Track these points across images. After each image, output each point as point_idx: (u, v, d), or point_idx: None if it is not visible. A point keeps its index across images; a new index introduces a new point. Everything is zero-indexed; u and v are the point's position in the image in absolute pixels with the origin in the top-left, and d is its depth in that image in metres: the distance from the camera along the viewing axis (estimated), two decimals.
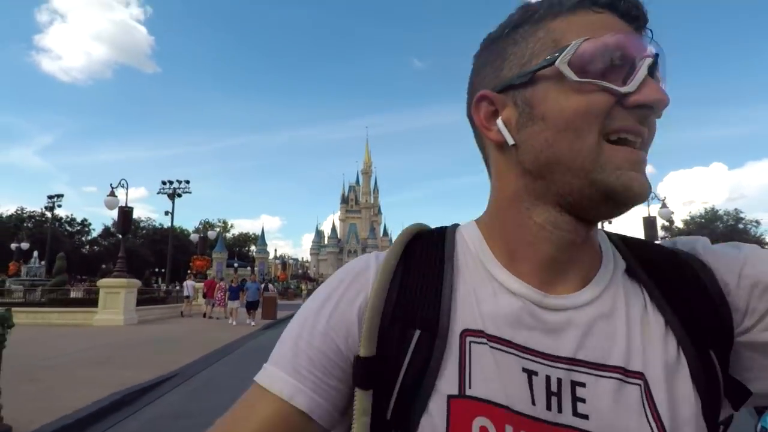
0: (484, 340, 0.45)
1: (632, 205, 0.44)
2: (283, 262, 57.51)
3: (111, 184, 14.18)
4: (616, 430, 0.42)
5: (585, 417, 0.42)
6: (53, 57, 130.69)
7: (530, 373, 0.44)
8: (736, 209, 44.49)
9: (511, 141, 0.46)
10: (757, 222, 41.96)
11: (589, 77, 0.42)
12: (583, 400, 0.43)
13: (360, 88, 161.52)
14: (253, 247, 74.11)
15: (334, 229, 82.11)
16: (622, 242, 0.53)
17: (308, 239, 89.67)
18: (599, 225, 0.50)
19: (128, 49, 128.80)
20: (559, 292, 0.47)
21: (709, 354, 0.44)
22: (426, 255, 0.51)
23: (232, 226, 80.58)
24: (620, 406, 0.42)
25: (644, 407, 0.42)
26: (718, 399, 0.44)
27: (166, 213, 24.15)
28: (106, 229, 70.25)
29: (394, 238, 0.55)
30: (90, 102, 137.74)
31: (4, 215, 56.20)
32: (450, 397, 0.43)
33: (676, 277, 0.48)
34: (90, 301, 14.95)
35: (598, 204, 0.44)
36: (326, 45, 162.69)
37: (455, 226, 0.56)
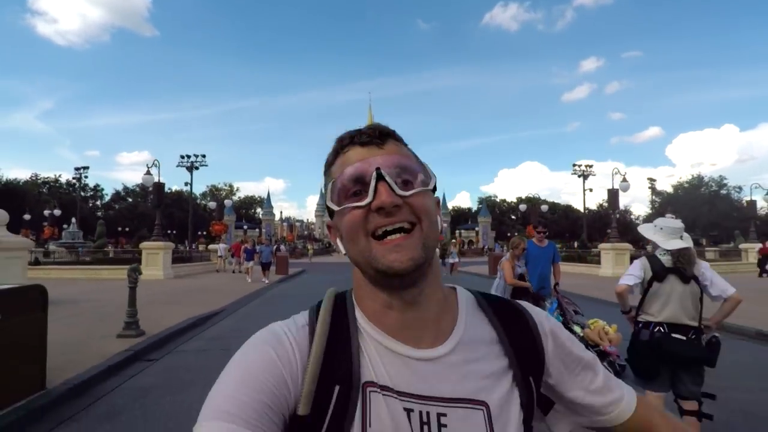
0: (378, 390, 0.58)
1: (403, 276, 0.57)
2: (290, 224, 60.38)
3: (147, 164, 17.04)
4: None
5: None
6: (48, 20, 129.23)
7: (408, 411, 0.57)
8: (720, 176, 46.44)
9: (344, 252, 0.64)
10: (740, 188, 43.92)
11: (344, 203, 0.60)
12: (445, 426, 0.58)
13: (364, 50, 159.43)
14: (259, 210, 76.28)
15: None
16: (484, 300, 0.71)
17: (313, 201, 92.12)
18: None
19: (125, 12, 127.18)
20: (423, 344, 0.62)
21: (529, 380, 0.65)
22: (338, 320, 0.64)
23: (238, 189, 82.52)
24: (469, 427, 0.58)
25: (485, 424, 0.59)
26: (532, 409, 0.65)
27: (186, 184, 26.92)
28: (117, 194, 72.84)
29: None
30: (89, 66, 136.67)
31: (20, 182, 57.20)
32: None
33: (518, 328, 0.67)
34: (132, 260, 17.87)
35: (385, 281, 0.60)
36: (330, 6, 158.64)
37: (350, 294, 0.68)
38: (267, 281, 16.98)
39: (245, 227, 56.57)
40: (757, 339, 7.08)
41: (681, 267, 2.96)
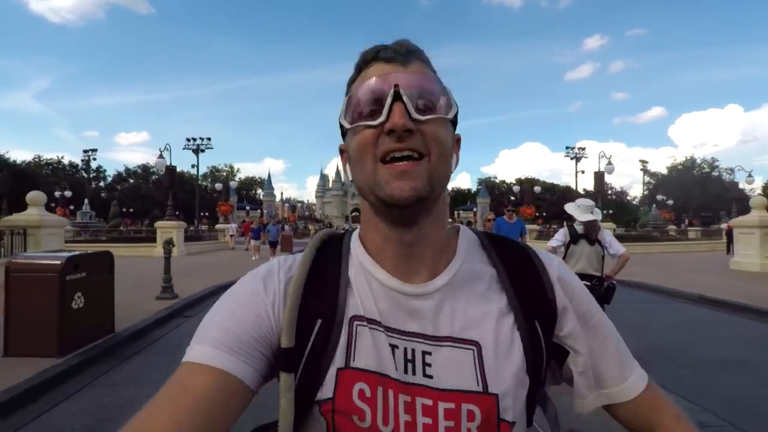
0: (365, 323, 0.57)
1: (403, 206, 0.54)
2: (292, 205, 61.57)
3: (160, 148, 18.06)
4: (451, 383, 0.55)
5: (430, 377, 0.56)
6: None
7: (393, 347, 0.56)
8: (712, 158, 47.46)
9: (349, 178, 0.61)
10: (731, 169, 44.87)
11: (357, 121, 0.56)
12: (429, 365, 0.56)
13: (365, 28, 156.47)
14: (259, 191, 77.16)
15: (338, 172, 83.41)
16: (487, 239, 0.67)
17: (313, 182, 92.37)
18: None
19: None
20: (416, 281, 0.59)
21: (534, 324, 0.59)
22: (329, 257, 0.64)
23: (238, 170, 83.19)
24: (455, 367, 0.56)
25: (475, 365, 0.56)
26: (541, 358, 0.59)
27: (193, 166, 27.89)
28: (119, 175, 73.75)
29: None
30: (84, 44, 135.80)
31: (22, 163, 57.47)
32: (339, 369, 0.55)
33: (522, 267, 0.62)
34: (146, 238, 19.14)
35: (385, 210, 0.57)
36: None
37: (350, 232, 0.68)
38: (274, 258, 18.17)
39: (248, 208, 57.67)
40: (698, 302, 8.35)
41: (588, 234, 4.26)
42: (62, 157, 68.85)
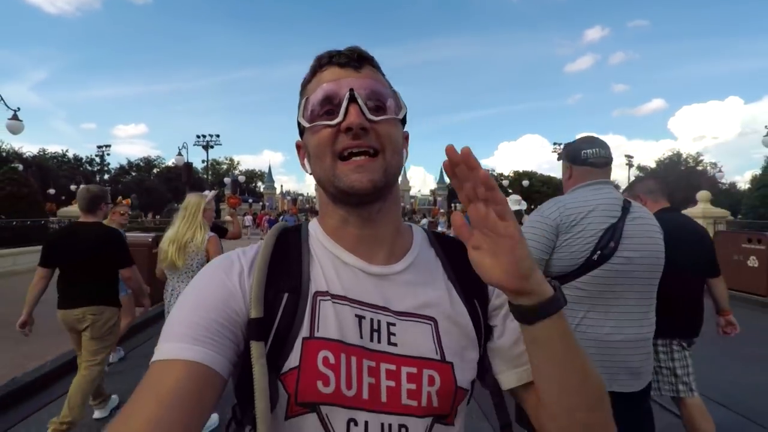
0: (329, 298, 0.62)
1: (362, 196, 0.61)
2: (293, 198, 63.06)
3: (178, 146, 19.78)
4: (413, 351, 0.62)
5: (395, 345, 0.62)
6: None
7: (360, 318, 0.62)
8: (697, 152, 49.28)
9: (308, 171, 0.67)
10: (715, 164, 46.92)
11: (315, 121, 0.63)
12: (394, 335, 0.62)
13: (363, 20, 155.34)
14: (260, 183, 78.41)
15: None
16: (434, 237, 0.76)
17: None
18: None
19: None
20: (376, 262, 0.67)
21: (474, 303, 0.68)
22: (290, 241, 0.69)
23: (239, 164, 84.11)
24: (417, 337, 0.63)
25: (433, 337, 0.63)
26: (481, 333, 0.68)
27: (203, 162, 29.85)
28: (122, 168, 75.00)
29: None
30: (81, 35, 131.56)
31: (28, 156, 58.27)
32: (304, 338, 0.59)
33: (461, 258, 0.63)
34: (162, 228, 20.93)
35: (345, 199, 0.64)
36: None
37: (306, 222, 0.74)
38: None
39: (250, 201, 59.23)
40: None
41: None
42: (66, 151, 70.20)
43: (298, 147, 0.72)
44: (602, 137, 1.87)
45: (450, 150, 0.50)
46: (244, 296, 0.60)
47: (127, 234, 9.31)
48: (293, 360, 0.58)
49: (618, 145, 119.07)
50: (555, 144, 34.20)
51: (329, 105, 0.62)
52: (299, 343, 0.59)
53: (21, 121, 12.05)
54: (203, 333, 0.55)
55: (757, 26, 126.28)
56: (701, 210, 14.24)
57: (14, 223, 9.91)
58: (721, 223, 13.76)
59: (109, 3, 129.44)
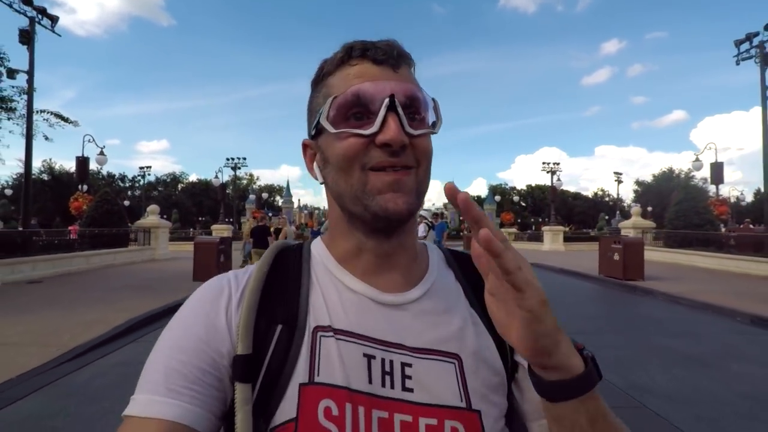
0: (331, 334, 0.52)
1: (394, 221, 0.52)
2: (310, 211, 66.82)
3: (215, 171, 24.07)
4: (433, 398, 0.52)
5: (410, 390, 0.51)
6: (67, 10, 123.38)
7: (369, 357, 0.52)
8: (689, 168, 51.37)
9: (320, 180, 0.58)
10: (705, 179, 49.33)
11: (343, 126, 0.51)
12: (410, 377, 0.52)
13: (380, 35, 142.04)
14: (278, 197, 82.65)
15: None
16: (452, 256, 0.66)
17: None
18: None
19: (141, 1, 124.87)
20: (391, 291, 0.56)
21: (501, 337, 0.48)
22: (289, 264, 0.60)
23: (258, 179, 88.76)
24: (438, 380, 0.52)
25: (457, 379, 0.53)
26: (508, 367, 0.57)
27: (232, 179, 34.43)
28: (149, 184, 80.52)
29: None
30: (108, 56, 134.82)
31: (63, 173, 62.61)
32: (301, 384, 0.50)
33: (482, 279, 0.48)
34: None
35: (371, 221, 0.53)
36: None
37: (310, 241, 0.65)
38: None
39: (270, 215, 62.97)
40: (559, 272, 13.70)
41: (430, 225, 9.96)
42: (101, 168, 75.45)
43: (305, 147, 0.62)
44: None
45: (449, 188, 0.41)
46: (230, 331, 0.52)
47: (201, 236, 13.42)
48: (289, 410, 0.49)
49: (639, 158, 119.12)
50: (544, 163, 36.94)
51: (358, 108, 0.52)
52: (295, 390, 0.50)
53: (105, 156, 16.49)
54: (181, 382, 0.48)
55: None
56: (632, 222, 17.91)
57: (113, 230, 14.35)
58: (649, 232, 17.18)
59: (135, 25, 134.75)
